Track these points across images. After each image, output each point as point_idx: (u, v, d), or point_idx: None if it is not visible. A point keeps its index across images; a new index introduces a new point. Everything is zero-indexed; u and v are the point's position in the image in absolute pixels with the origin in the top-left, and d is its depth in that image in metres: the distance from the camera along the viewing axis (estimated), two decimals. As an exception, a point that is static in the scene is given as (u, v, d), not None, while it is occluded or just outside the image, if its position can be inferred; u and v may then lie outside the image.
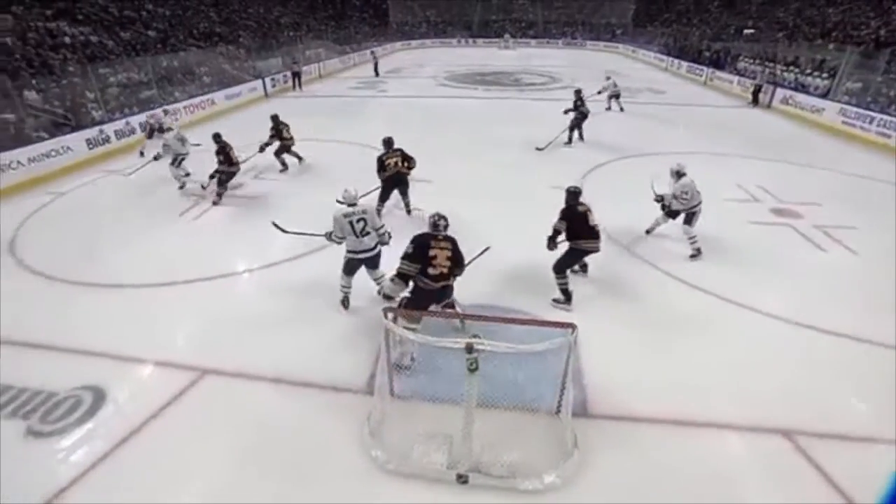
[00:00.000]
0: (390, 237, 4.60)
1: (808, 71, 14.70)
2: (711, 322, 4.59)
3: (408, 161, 6.55)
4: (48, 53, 12.07)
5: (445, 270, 3.72)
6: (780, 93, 14.41)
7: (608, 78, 13.84)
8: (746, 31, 22.67)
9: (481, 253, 4.45)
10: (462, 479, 2.96)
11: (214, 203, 7.33)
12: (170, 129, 8.67)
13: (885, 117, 10.52)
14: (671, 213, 5.73)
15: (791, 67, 15.73)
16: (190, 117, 12.62)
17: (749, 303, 4.79)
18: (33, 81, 10.51)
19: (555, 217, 4.61)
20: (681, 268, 5.42)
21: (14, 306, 4.87)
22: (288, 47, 20.70)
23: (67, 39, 13.16)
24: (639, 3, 38.61)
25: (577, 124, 10.22)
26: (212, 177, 7.41)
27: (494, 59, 29.11)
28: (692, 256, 5.65)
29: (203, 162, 7.93)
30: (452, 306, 4.11)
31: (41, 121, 9.62)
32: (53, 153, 8.75)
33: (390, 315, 3.19)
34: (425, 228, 3.98)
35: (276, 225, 5.16)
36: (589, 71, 22.43)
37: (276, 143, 8.56)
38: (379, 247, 4.54)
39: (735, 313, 4.70)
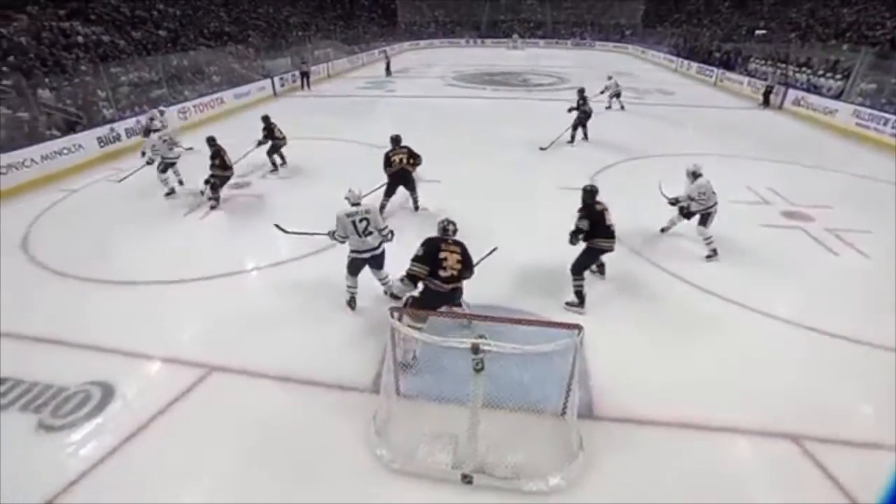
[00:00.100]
0: (393, 235, 4.62)
1: (821, 72, 14.51)
2: (720, 325, 4.55)
3: (413, 158, 6.60)
4: (61, 53, 12.24)
5: (456, 273, 3.76)
6: (792, 94, 14.25)
7: (610, 77, 14.00)
8: (758, 32, 22.46)
9: (489, 254, 4.44)
10: (467, 480, 2.96)
11: (212, 207, 7.18)
12: (156, 129, 8.47)
13: (901, 119, 10.36)
14: (687, 214, 5.71)
15: (803, 68, 15.54)
16: (199, 116, 12.74)
17: (758, 306, 4.74)
18: (47, 80, 10.66)
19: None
20: (690, 270, 5.38)
21: (26, 302, 4.95)
22: (297, 47, 20.82)
23: (80, 39, 13.34)
24: (648, 3, 38.35)
25: (579, 123, 10.30)
26: (206, 182, 7.18)
27: (503, 59, 29.07)
28: (708, 257, 5.61)
29: (196, 166, 7.59)
30: (460, 306, 4.11)
31: (54, 119, 9.75)
32: (66, 151, 8.87)
33: (396, 314, 3.20)
34: (431, 226, 3.99)
35: (277, 226, 5.18)
36: (597, 72, 22.29)
37: (268, 143, 8.57)
38: (383, 246, 4.54)
39: (745, 316, 4.65)
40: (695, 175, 5.53)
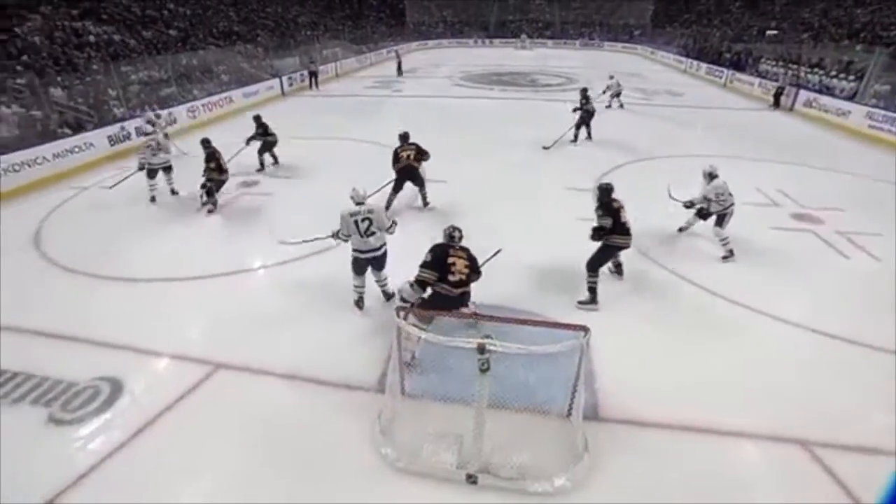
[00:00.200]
0: (395, 224, 4.64)
1: (834, 73, 14.33)
2: (729, 328, 4.51)
3: (421, 154, 6.70)
4: (74, 52, 12.39)
5: (464, 277, 3.84)
6: (804, 95, 14.08)
7: (611, 77, 14.25)
8: (769, 33, 22.21)
9: (493, 255, 4.45)
10: (471, 480, 2.96)
11: (210, 212, 6.97)
12: (146, 133, 8.24)
13: (915, 121, 10.22)
14: (704, 214, 5.70)
15: (816, 69, 15.36)
16: (208, 115, 12.84)
17: (768, 309, 4.69)
18: (59, 79, 10.80)
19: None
20: (698, 272, 5.34)
21: (38, 298, 5.02)
22: (305, 46, 20.93)
23: (92, 38, 13.49)
24: (658, 3, 38.08)
25: (582, 123, 10.40)
26: (203, 187, 6.92)
27: (511, 59, 29.02)
28: (724, 258, 5.59)
29: (197, 171, 7.13)
30: (466, 306, 4.12)
31: (65, 117, 9.88)
32: (77, 149, 8.98)
33: (402, 314, 3.20)
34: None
35: (283, 242, 5.15)
36: (605, 72, 22.09)
37: (259, 142, 8.58)
38: (384, 248, 4.53)
39: (753, 319, 4.61)
40: (711, 176, 5.53)
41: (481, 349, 2.69)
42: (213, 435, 3.38)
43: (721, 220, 5.54)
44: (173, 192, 7.60)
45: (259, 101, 15.22)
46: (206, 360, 4.03)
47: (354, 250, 4.50)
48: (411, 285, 3.92)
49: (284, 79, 17.15)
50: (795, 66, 16.20)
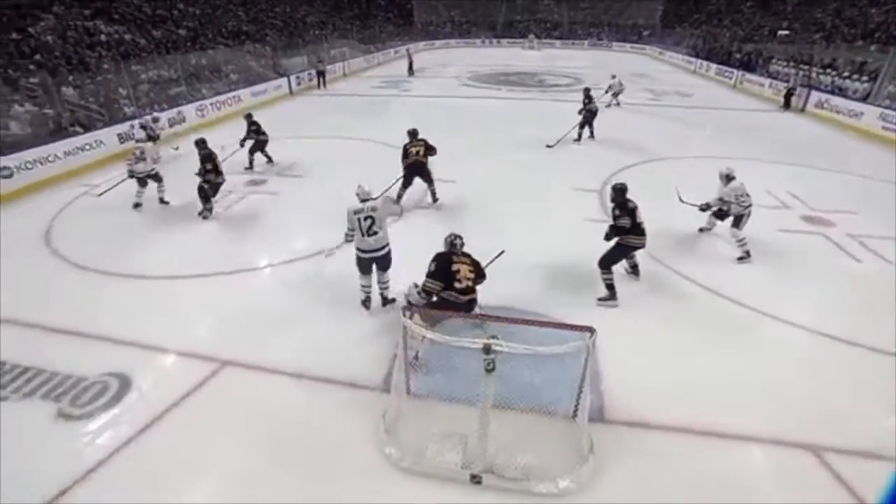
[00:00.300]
0: (402, 211, 4.59)
1: (847, 74, 14.15)
2: (737, 331, 4.47)
3: (429, 150, 6.85)
4: (85, 51, 12.53)
5: (470, 283, 3.87)
6: (815, 96, 13.91)
7: (613, 77, 14.45)
8: (781, 33, 21.97)
9: (497, 257, 4.45)
10: (476, 480, 2.95)
11: (204, 218, 6.69)
12: (136, 140, 7.88)
13: (929, 122, 10.07)
14: (722, 215, 5.68)
15: (828, 70, 15.17)
16: (217, 114, 12.93)
17: (777, 313, 4.64)
18: (70, 78, 10.93)
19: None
20: (708, 274, 5.29)
21: (48, 294, 5.08)
22: (313, 46, 20.98)
23: (103, 38, 13.63)
24: (667, 3, 37.80)
25: (586, 122, 10.48)
26: (200, 191, 6.56)
27: (518, 59, 28.93)
28: (740, 259, 5.56)
29: (189, 169, 6.87)
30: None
31: (77, 116, 9.99)
32: (87, 147, 9.09)
33: (408, 313, 3.20)
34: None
35: (328, 254, 4.92)
36: (614, 73, 22.07)
37: (251, 141, 8.57)
38: (387, 249, 4.50)
39: (763, 323, 4.56)
40: (728, 178, 5.53)
41: (487, 349, 2.68)
42: (218, 431, 3.40)
43: (738, 221, 5.51)
44: (162, 201, 7.21)
45: (267, 100, 15.30)
46: (213, 357, 4.05)
47: (357, 248, 4.51)
48: (419, 292, 3.95)
49: (292, 78, 17.22)
50: (807, 67, 16.01)
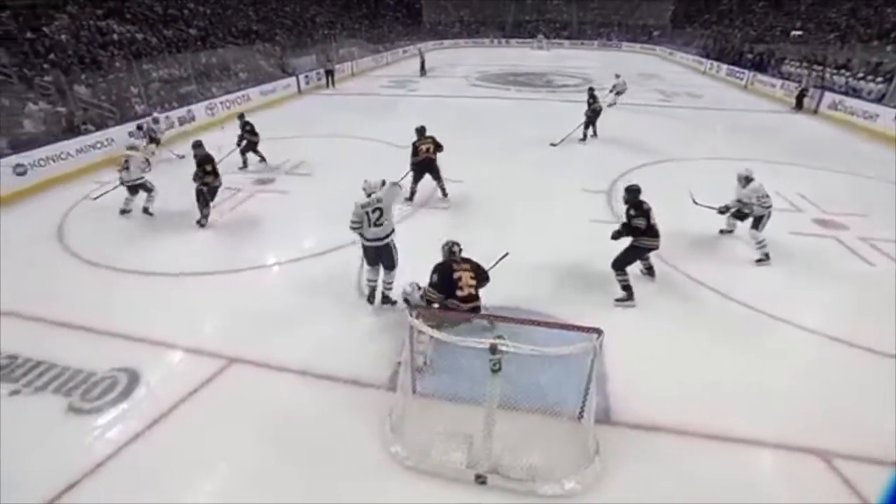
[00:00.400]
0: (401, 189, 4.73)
1: (861, 74, 13.94)
2: (747, 334, 4.43)
3: (437, 147, 6.92)
4: (98, 50, 12.68)
5: (473, 290, 3.87)
6: (829, 97, 13.70)
7: (618, 76, 14.51)
8: (794, 33, 21.69)
9: (500, 260, 4.44)
10: (480, 480, 2.95)
11: (202, 225, 6.45)
12: (131, 146, 7.29)
13: (945, 125, 9.88)
14: (741, 216, 5.65)
15: (842, 71, 14.95)
16: (226, 112, 13.01)
17: (788, 316, 4.58)
18: (83, 77, 11.07)
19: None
20: (717, 277, 5.23)
21: (60, 289, 5.15)
22: (322, 45, 21.07)
23: (116, 37, 13.79)
24: (678, 3, 37.48)
25: (589, 121, 10.54)
26: (198, 194, 6.34)
27: (527, 59, 28.84)
28: (759, 261, 5.51)
29: (184, 172, 6.73)
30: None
31: (89, 114, 10.13)
32: (99, 144, 9.21)
33: (415, 313, 3.21)
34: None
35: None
36: (623, 73, 21.93)
37: (244, 141, 8.62)
38: (390, 239, 4.49)
39: (773, 326, 4.51)
40: (748, 179, 5.49)
41: (493, 349, 2.68)
42: (225, 428, 3.42)
43: (758, 223, 5.46)
44: (146, 211, 6.86)
45: (276, 99, 15.38)
46: (221, 354, 4.09)
47: (364, 239, 4.52)
48: (421, 296, 3.95)
49: (301, 77, 17.30)
50: (820, 68, 15.79)
